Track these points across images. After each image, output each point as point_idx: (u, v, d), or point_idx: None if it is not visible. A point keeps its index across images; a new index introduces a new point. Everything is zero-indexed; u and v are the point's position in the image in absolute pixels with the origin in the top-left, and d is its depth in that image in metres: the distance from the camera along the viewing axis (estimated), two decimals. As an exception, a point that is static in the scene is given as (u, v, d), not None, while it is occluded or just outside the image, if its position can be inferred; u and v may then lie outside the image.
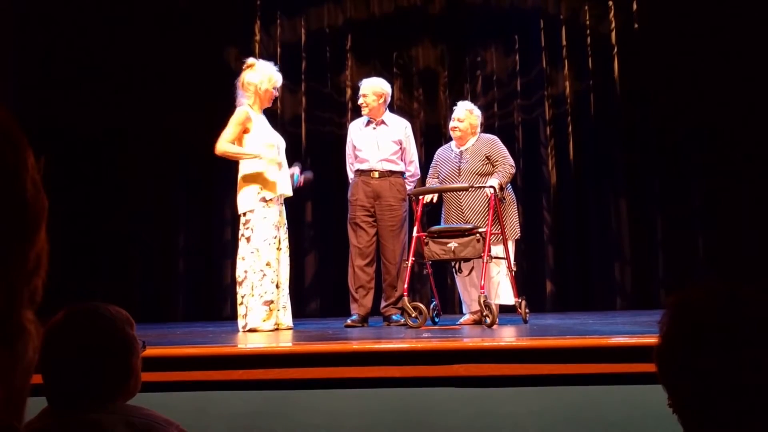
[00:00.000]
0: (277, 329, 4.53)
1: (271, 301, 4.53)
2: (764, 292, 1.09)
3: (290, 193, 4.77)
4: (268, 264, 4.53)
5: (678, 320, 1.10)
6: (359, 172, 5.10)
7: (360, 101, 5.17)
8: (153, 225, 6.82)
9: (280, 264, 4.64)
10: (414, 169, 5.21)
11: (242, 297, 4.56)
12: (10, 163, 0.62)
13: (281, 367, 3.07)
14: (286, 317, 4.65)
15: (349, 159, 5.26)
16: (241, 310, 4.56)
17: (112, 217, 6.56)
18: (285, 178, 4.72)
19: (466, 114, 5.07)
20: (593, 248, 6.74)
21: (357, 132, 5.19)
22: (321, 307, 6.78)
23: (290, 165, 4.91)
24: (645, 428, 2.75)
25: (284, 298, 4.66)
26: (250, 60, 4.79)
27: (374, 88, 5.13)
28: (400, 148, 5.11)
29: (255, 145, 4.59)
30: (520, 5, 7.06)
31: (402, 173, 5.13)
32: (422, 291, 6.57)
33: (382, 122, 5.14)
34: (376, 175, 5.04)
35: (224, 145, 4.57)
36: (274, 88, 4.73)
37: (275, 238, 4.58)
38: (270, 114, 4.94)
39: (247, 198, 4.59)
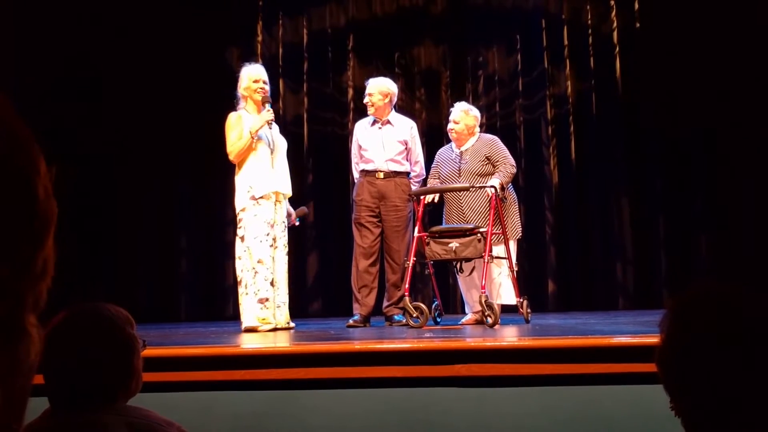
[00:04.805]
0: (276, 329, 4.52)
1: (266, 299, 4.52)
2: (764, 294, 1.09)
3: (289, 192, 4.78)
4: (259, 261, 4.52)
5: (678, 323, 1.10)
6: (364, 173, 5.09)
7: (366, 100, 5.16)
8: (155, 225, 6.83)
9: (276, 262, 4.64)
10: (419, 169, 5.21)
11: (241, 296, 4.59)
12: (22, 168, 0.62)
13: (283, 367, 3.07)
14: (281, 315, 4.64)
15: (354, 159, 5.25)
16: (242, 309, 4.57)
17: (114, 218, 6.57)
18: (279, 177, 4.72)
19: (461, 116, 5.07)
20: (595, 248, 6.74)
21: (362, 132, 5.19)
22: (323, 307, 6.78)
23: (290, 164, 4.92)
24: (648, 428, 2.75)
25: (280, 297, 4.66)
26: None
27: (380, 88, 5.12)
28: (406, 149, 5.11)
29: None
30: (521, 5, 7.06)
31: (407, 173, 5.13)
32: (424, 291, 6.57)
33: (388, 122, 5.13)
34: (381, 175, 5.04)
35: (231, 148, 4.62)
36: (255, 82, 4.75)
37: (267, 235, 4.57)
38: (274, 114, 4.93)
39: (239, 197, 4.64)
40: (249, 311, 4.50)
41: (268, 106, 4.74)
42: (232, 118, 4.68)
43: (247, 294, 4.52)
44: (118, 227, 6.61)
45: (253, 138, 4.60)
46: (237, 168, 4.66)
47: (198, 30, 6.71)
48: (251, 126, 4.63)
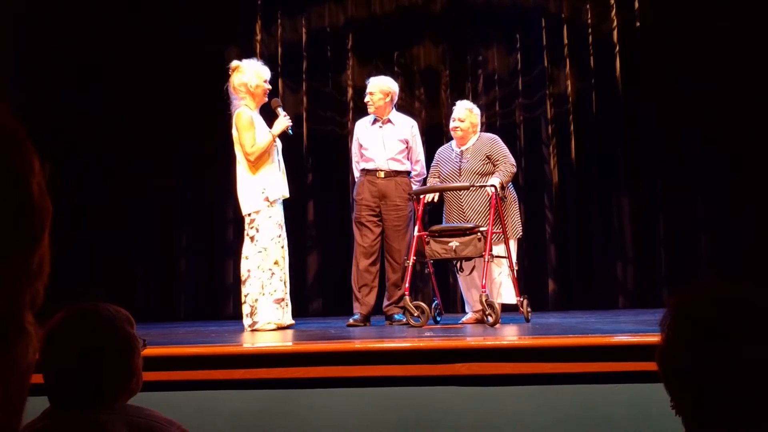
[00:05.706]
0: (276, 328, 4.53)
1: (282, 299, 4.57)
2: (764, 292, 1.09)
3: (288, 195, 4.79)
4: (276, 263, 4.57)
5: (679, 321, 1.10)
6: (365, 172, 5.09)
7: (366, 99, 5.15)
8: (155, 224, 6.83)
9: (285, 261, 4.67)
10: (420, 168, 5.20)
11: (245, 296, 4.58)
12: (18, 166, 0.62)
13: (284, 366, 3.07)
14: (288, 314, 4.68)
15: (354, 158, 5.25)
16: (245, 309, 4.57)
17: (114, 217, 6.56)
18: (285, 179, 4.74)
19: (466, 113, 5.07)
20: (595, 247, 6.74)
21: (363, 131, 5.18)
22: (323, 306, 6.78)
23: (290, 163, 4.92)
24: (648, 427, 2.75)
25: (287, 296, 4.69)
26: (234, 63, 4.79)
27: (381, 87, 5.11)
28: (407, 148, 5.10)
29: (263, 137, 4.63)
30: (521, 4, 7.05)
31: (408, 172, 5.12)
32: (424, 290, 6.57)
33: (389, 121, 5.12)
34: (382, 174, 5.03)
35: (253, 149, 4.58)
36: (264, 82, 4.74)
37: (279, 237, 4.61)
38: (271, 113, 4.93)
39: (251, 199, 4.61)
40: (266, 312, 4.51)
41: (282, 111, 4.75)
42: (245, 116, 4.62)
43: (263, 294, 4.53)
44: (117, 226, 6.60)
45: (274, 140, 4.64)
46: (250, 169, 4.62)
47: (197, 29, 6.70)
48: (273, 129, 4.66)
